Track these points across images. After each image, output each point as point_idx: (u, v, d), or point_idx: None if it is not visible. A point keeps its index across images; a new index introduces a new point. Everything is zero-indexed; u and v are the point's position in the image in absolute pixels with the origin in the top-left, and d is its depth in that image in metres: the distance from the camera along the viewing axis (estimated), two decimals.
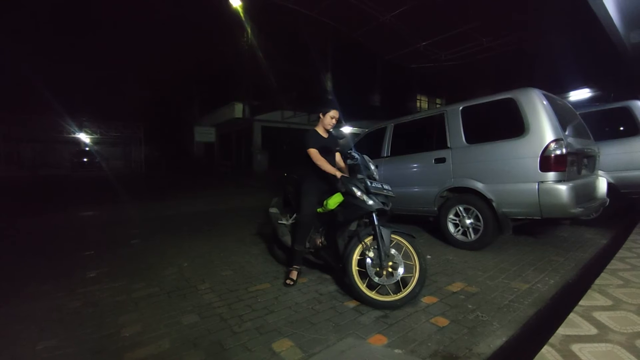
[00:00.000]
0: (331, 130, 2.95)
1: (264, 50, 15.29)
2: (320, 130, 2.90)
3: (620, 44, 9.94)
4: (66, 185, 13.90)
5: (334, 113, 2.83)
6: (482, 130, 3.62)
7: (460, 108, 3.80)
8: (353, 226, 2.57)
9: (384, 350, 1.75)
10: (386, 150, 4.65)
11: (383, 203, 2.43)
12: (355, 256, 2.39)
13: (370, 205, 2.34)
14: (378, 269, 2.29)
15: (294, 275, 2.74)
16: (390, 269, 2.29)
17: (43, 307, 2.37)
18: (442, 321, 2.03)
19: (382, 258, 2.27)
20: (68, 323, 2.12)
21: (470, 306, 2.24)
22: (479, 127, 3.66)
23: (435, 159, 3.91)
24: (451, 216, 3.74)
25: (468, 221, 3.58)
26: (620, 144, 4.32)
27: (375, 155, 4.76)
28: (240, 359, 1.70)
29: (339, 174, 2.52)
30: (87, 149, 27.78)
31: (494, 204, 3.33)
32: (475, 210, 3.51)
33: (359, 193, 2.39)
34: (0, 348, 1.84)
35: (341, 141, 3.24)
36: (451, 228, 3.75)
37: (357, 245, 2.40)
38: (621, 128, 4.48)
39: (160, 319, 2.15)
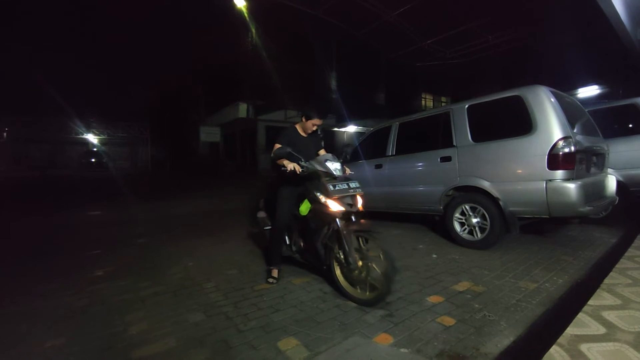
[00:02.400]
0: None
1: (268, 50, 15.32)
2: (299, 128, 2.92)
3: (627, 41, 9.80)
4: (73, 185, 14.06)
5: (316, 121, 2.81)
6: (489, 128, 3.58)
7: (466, 106, 3.76)
8: (327, 229, 2.48)
9: (389, 349, 1.74)
10: (391, 149, 4.63)
11: (350, 205, 2.39)
12: (335, 263, 2.42)
13: (334, 211, 2.31)
14: (356, 272, 2.27)
15: (275, 273, 2.78)
16: (362, 271, 2.26)
17: (51, 305, 2.39)
18: (449, 320, 2.02)
19: (349, 262, 2.27)
20: (75, 321, 2.15)
21: (477, 305, 2.21)
22: (486, 125, 3.62)
23: (440, 158, 3.88)
24: (457, 215, 3.72)
25: (474, 220, 3.55)
26: (629, 141, 4.26)
27: (380, 154, 4.74)
28: (245, 357, 1.71)
29: (298, 169, 2.45)
30: (94, 149, 28.11)
31: (500, 202, 3.29)
32: (481, 209, 3.48)
33: (323, 199, 2.35)
34: (9, 346, 1.87)
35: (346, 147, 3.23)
36: (457, 227, 3.72)
37: (332, 252, 2.41)
38: (630, 125, 4.42)
39: (166, 317, 2.16)
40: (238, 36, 16.69)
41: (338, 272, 2.42)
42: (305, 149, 2.80)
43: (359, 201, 2.46)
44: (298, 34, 16.07)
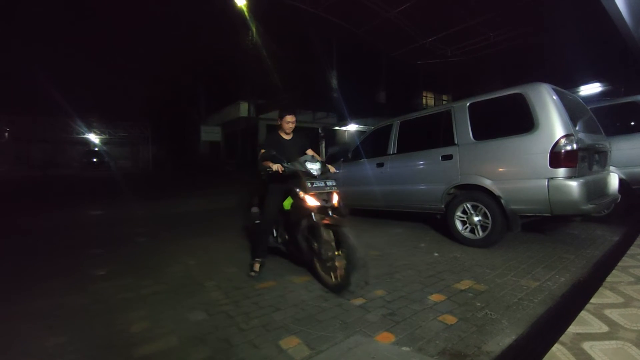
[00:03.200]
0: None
1: (269, 48, 15.30)
2: (281, 132, 3.14)
3: (629, 38, 9.75)
4: (75, 185, 14.08)
5: (289, 118, 3.05)
6: (490, 126, 3.57)
7: (468, 104, 3.75)
8: (306, 222, 2.70)
9: (391, 347, 1.73)
10: (392, 147, 4.62)
11: (325, 201, 2.64)
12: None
13: (310, 205, 2.59)
14: (327, 262, 2.54)
15: (256, 267, 2.92)
16: (331, 260, 2.50)
17: (53, 304, 2.39)
18: (450, 319, 2.01)
19: (321, 253, 2.55)
20: (77, 320, 2.15)
21: (478, 304, 2.21)
22: (487, 123, 3.61)
23: (442, 156, 3.87)
24: (459, 213, 3.71)
25: (476, 218, 3.54)
26: (631, 139, 4.24)
27: (381, 152, 4.74)
28: (247, 355, 1.70)
29: (280, 169, 2.70)
30: (96, 149, 28.15)
31: (502, 201, 3.28)
32: (483, 207, 3.47)
33: (302, 195, 2.63)
34: (11, 344, 1.87)
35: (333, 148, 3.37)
36: (459, 225, 3.72)
37: (311, 243, 2.69)
38: (632, 123, 4.40)
39: (167, 316, 2.16)
40: (239, 35, 16.68)
41: (315, 261, 2.69)
42: (289, 151, 3.02)
43: (335, 198, 2.71)
44: (299, 33, 16.04)
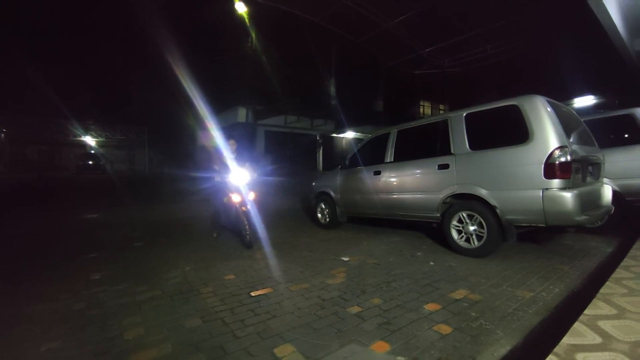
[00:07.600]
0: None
1: (268, 55, 15.42)
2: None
3: (624, 51, 9.94)
4: (71, 188, 13.99)
5: (231, 142, 4.60)
6: (486, 136, 3.61)
7: (464, 114, 3.80)
8: (235, 210, 4.37)
9: (386, 357, 1.74)
10: (390, 155, 4.65)
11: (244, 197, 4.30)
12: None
13: (234, 200, 4.25)
14: (244, 232, 4.19)
15: (214, 234, 4.77)
16: (246, 232, 4.15)
17: (47, 308, 2.38)
18: (445, 329, 2.02)
19: (241, 228, 4.25)
20: (72, 325, 2.13)
21: (473, 314, 2.22)
22: (483, 134, 3.65)
23: (438, 165, 3.90)
24: (454, 222, 3.73)
25: (471, 228, 3.56)
26: (625, 151, 4.30)
27: (378, 160, 4.76)
28: None
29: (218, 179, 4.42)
30: (92, 151, 27.99)
31: (497, 210, 3.31)
32: (478, 216, 3.50)
33: (230, 193, 4.28)
34: (5, 349, 1.85)
35: None
36: (454, 234, 3.74)
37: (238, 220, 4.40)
38: (626, 135, 4.46)
39: (163, 322, 2.15)
40: (238, 41, 16.81)
41: (240, 230, 4.33)
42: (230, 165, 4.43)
43: (252, 195, 4.31)
44: (298, 40, 16.20)
